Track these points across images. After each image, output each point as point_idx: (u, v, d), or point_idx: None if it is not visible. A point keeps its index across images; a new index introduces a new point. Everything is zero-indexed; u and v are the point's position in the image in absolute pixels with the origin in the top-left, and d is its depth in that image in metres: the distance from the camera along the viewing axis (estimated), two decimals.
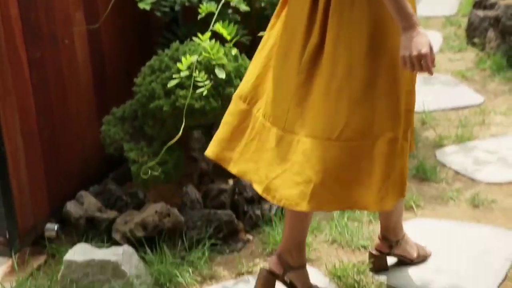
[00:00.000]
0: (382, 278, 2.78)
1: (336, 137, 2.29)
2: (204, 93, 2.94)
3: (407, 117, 2.42)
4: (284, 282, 2.63)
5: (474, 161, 3.71)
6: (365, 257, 2.94)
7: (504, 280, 2.73)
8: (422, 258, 2.88)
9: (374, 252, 2.83)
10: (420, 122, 4.23)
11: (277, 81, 2.42)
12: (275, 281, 2.62)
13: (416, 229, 3.08)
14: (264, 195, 2.41)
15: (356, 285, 2.73)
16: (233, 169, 2.52)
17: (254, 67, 2.55)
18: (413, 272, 2.81)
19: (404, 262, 2.84)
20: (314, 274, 2.84)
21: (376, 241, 2.84)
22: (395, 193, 2.37)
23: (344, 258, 2.94)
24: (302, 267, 2.64)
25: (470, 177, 3.56)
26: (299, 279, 2.63)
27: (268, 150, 2.42)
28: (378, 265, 2.83)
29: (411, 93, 2.47)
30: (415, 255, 2.84)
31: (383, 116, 2.30)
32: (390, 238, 2.80)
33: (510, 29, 5.00)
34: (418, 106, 4.28)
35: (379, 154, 2.31)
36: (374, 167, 2.31)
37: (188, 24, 3.61)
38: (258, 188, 2.43)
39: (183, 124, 2.92)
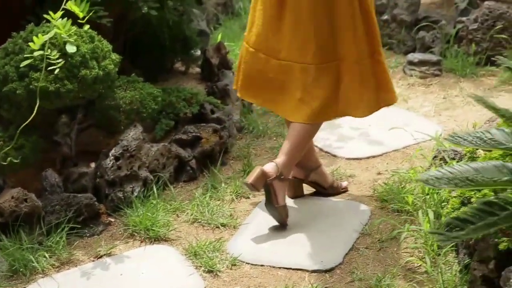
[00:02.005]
0: (236, 253, 2.84)
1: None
2: (57, 72, 2.91)
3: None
4: (310, 183, 3.21)
5: (338, 138, 3.83)
6: (224, 234, 3.00)
7: (350, 250, 2.84)
8: (335, 190, 3.24)
9: (291, 178, 3.12)
10: None
11: (258, 16, 3.02)
12: (302, 185, 3.21)
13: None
14: None
15: (210, 262, 2.78)
16: None
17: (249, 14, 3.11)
18: (267, 246, 2.89)
19: (318, 191, 3.22)
20: (171, 253, 2.88)
21: (292, 171, 3.12)
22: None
23: (203, 236, 2.99)
24: (319, 166, 3.21)
25: (332, 153, 3.68)
26: (321, 177, 3.20)
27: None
28: (295, 191, 3.20)
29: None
30: (329, 183, 3.22)
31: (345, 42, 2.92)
32: (307, 165, 3.18)
33: (379, 9, 5.16)
34: None
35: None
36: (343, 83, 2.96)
37: (47, 3, 3.54)
38: None
39: (37, 106, 2.88)
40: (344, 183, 3.31)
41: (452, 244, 2.62)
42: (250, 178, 2.91)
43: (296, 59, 2.95)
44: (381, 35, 5.04)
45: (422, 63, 4.58)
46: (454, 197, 2.36)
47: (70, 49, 2.94)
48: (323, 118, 3.09)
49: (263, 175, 2.92)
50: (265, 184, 2.92)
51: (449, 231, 1.51)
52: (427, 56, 4.61)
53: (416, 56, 4.63)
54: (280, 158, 2.98)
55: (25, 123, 2.89)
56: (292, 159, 2.99)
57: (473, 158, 2.44)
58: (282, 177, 2.95)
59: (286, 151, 2.98)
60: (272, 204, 2.94)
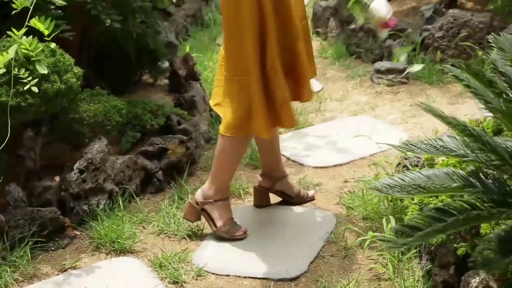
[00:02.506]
0: (202, 264, 2.83)
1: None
2: (26, 88, 2.91)
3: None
4: (276, 193, 3.22)
5: (306, 146, 3.84)
6: (190, 245, 2.99)
7: (316, 258, 2.85)
8: (301, 199, 3.25)
9: (257, 187, 3.22)
10: None
11: None
12: (268, 194, 3.22)
13: (243, 215, 3.17)
14: None
15: (175, 273, 2.78)
16: None
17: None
18: (232, 256, 2.89)
19: (285, 199, 3.24)
20: (137, 265, 2.87)
21: (258, 178, 3.22)
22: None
23: (169, 247, 2.98)
24: (285, 176, 3.21)
25: (300, 162, 3.69)
26: (286, 186, 3.21)
27: None
28: (261, 200, 3.23)
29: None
30: (295, 192, 3.24)
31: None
32: (273, 175, 3.19)
33: (347, 18, 5.19)
34: None
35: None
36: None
37: (11, 19, 3.53)
38: None
39: (9, 124, 2.87)
40: (311, 192, 3.32)
41: (415, 250, 2.64)
42: (184, 213, 3.06)
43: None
44: (349, 44, 5.14)
45: (389, 71, 4.61)
46: (414, 203, 2.38)
47: (41, 70, 2.95)
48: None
49: (192, 206, 3.03)
50: (199, 213, 3.02)
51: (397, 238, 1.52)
52: (393, 65, 4.65)
53: (383, 65, 4.66)
54: (206, 182, 3.05)
55: (3, 144, 2.86)
56: (216, 179, 3.00)
57: (431, 165, 2.47)
58: (211, 200, 2.99)
59: (211, 173, 3.04)
60: (212, 229, 3.01)
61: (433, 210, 1.55)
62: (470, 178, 1.66)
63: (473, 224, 1.75)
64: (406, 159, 2.96)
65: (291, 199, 3.25)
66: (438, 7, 4.93)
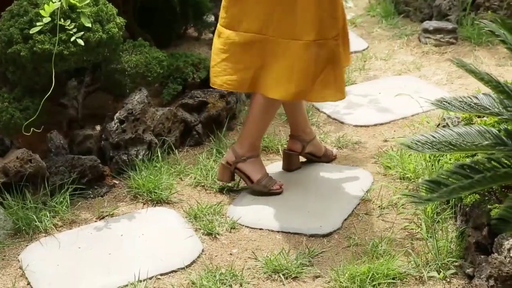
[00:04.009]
0: (236, 217, 2.85)
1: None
2: (72, 39, 2.94)
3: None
4: (305, 155, 3.21)
5: (347, 105, 3.80)
6: (225, 198, 3.02)
7: (350, 215, 2.84)
8: (328, 158, 3.25)
9: (287, 151, 3.19)
10: None
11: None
12: (298, 157, 3.20)
13: (278, 170, 3.18)
14: None
15: (209, 225, 2.81)
16: None
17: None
18: (266, 210, 2.90)
19: (312, 160, 3.22)
20: (172, 215, 2.90)
21: (288, 143, 3.20)
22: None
23: (205, 200, 3.01)
24: (314, 137, 3.22)
25: (340, 120, 3.66)
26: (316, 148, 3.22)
27: None
28: (291, 164, 3.18)
29: None
30: (322, 152, 3.23)
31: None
32: (303, 137, 3.16)
33: None
34: None
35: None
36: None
37: None
38: None
39: (53, 72, 2.91)
40: (334, 151, 3.31)
41: (450, 211, 2.62)
42: (218, 175, 3.07)
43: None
44: (398, 2, 5.02)
45: (437, 31, 4.51)
46: (450, 163, 2.34)
47: (86, 22, 2.97)
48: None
49: (224, 167, 3.03)
50: (232, 172, 3.03)
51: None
52: (442, 24, 4.54)
53: (431, 24, 4.56)
54: (236, 142, 3.07)
55: (49, 93, 2.91)
56: (251, 137, 3.01)
57: (469, 124, 2.41)
58: (243, 158, 2.99)
59: (242, 131, 3.06)
60: (248, 185, 3.02)
61: (460, 167, 1.52)
62: (503, 137, 1.62)
63: (501, 182, 1.71)
64: (446, 119, 2.91)
65: (318, 159, 3.24)
66: None
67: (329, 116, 3.70)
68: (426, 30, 4.56)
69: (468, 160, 1.54)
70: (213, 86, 3.00)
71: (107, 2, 3.16)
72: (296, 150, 3.19)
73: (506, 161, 1.54)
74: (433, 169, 2.87)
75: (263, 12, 2.81)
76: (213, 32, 4.36)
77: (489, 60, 4.25)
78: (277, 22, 2.80)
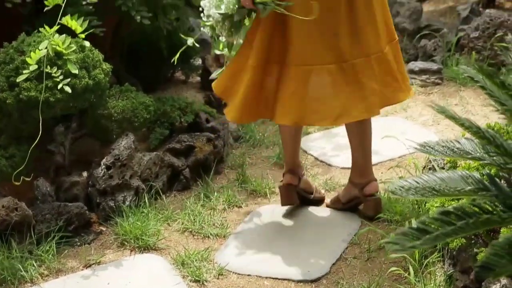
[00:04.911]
0: (224, 263, 2.83)
1: None
2: (59, 87, 2.95)
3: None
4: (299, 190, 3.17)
5: (334, 147, 3.81)
6: (213, 244, 3.00)
7: (338, 260, 2.83)
8: (318, 197, 3.24)
9: (286, 185, 3.13)
10: None
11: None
12: (295, 191, 3.14)
13: (266, 214, 3.17)
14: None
15: (197, 272, 2.78)
16: None
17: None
18: (254, 256, 2.88)
19: (304, 198, 3.19)
20: (160, 262, 2.88)
21: (285, 178, 3.16)
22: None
23: (193, 245, 2.99)
24: (304, 174, 3.23)
25: (327, 162, 3.67)
26: (307, 184, 3.22)
27: None
28: (291, 198, 3.13)
29: None
30: (313, 188, 3.24)
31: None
32: (298, 171, 3.16)
33: None
34: None
35: None
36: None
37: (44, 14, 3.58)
38: None
39: (40, 120, 2.91)
40: (322, 191, 3.32)
41: (438, 254, 2.61)
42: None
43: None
44: None
45: (422, 71, 4.55)
46: (436, 206, 2.34)
47: (73, 69, 2.98)
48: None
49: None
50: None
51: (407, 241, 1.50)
52: (427, 65, 4.58)
53: (416, 65, 4.60)
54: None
55: (37, 140, 2.90)
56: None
57: (454, 168, 2.43)
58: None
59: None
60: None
61: (443, 213, 1.52)
62: (485, 182, 1.63)
63: (484, 228, 1.71)
64: (432, 161, 2.92)
65: (310, 196, 3.22)
66: (475, 6, 4.85)
67: (316, 159, 3.71)
68: (412, 71, 4.59)
69: (451, 206, 1.54)
70: None
71: (93, 48, 3.18)
72: (293, 184, 3.15)
73: (488, 207, 1.55)
74: (420, 211, 2.87)
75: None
76: (200, 75, 4.39)
77: (474, 101, 4.28)
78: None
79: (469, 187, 1.60)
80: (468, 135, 3.06)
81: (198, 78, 4.43)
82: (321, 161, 3.68)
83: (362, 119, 2.93)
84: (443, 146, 1.73)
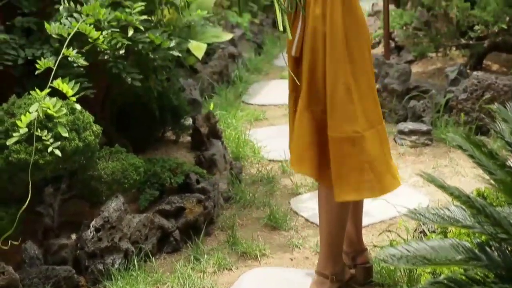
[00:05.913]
0: None
1: None
2: (49, 150, 2.94)
3: None
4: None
5: None
6: None
7: None
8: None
9: (366, 266, 3.02)
10: (280, 171, 4.32)
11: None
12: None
13: (257, 278, 3.13)
14: None
15: None
16: None
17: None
18: None
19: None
20: None
21: (360, 257, 3.04)
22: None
23: None
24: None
25: (318, 224, 3.64)
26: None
27: None
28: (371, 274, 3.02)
29: None
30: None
31: None
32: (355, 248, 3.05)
33: None
34: (279, 155, 4.35)
35: None
36: None
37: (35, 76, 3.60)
38: None
39: (30, 183, 2.89)
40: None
41: None
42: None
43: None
44: None
45: (412, 132, 4.58)
46: (428, 272, 2.32)
47: (63, 132, 2.98)
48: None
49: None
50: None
51: None
52: (417, 126, 4.62)
53: (406, 126, 4.64)
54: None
55: (25, 205, 2.88)
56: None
57: (444, 234, 2.42)
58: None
59: None
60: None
61: (433, 284, 1.51)
62: (475, 251, 1.63)
63: None
64: (423, 225, 2.91)
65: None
66: (463, 68, 4.91)
67: (307, 220, 3.69)
68: (401, 132, 4.63)
69: (443, 276, 1.53)
70: None
71: (84, 110, 3.18)
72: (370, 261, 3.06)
73: (478, 277, 1.54)
74: (410, 276, 2.85)
75: None
76: (190, 135, 4.40)
77: (464, 162, 4.30)
78: None
79: (459, 256, 1.59)
80: None
81: (189, 138, 4.44)
82: (312, 223, 3.66)
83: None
84: (433, 214, 1.73)
